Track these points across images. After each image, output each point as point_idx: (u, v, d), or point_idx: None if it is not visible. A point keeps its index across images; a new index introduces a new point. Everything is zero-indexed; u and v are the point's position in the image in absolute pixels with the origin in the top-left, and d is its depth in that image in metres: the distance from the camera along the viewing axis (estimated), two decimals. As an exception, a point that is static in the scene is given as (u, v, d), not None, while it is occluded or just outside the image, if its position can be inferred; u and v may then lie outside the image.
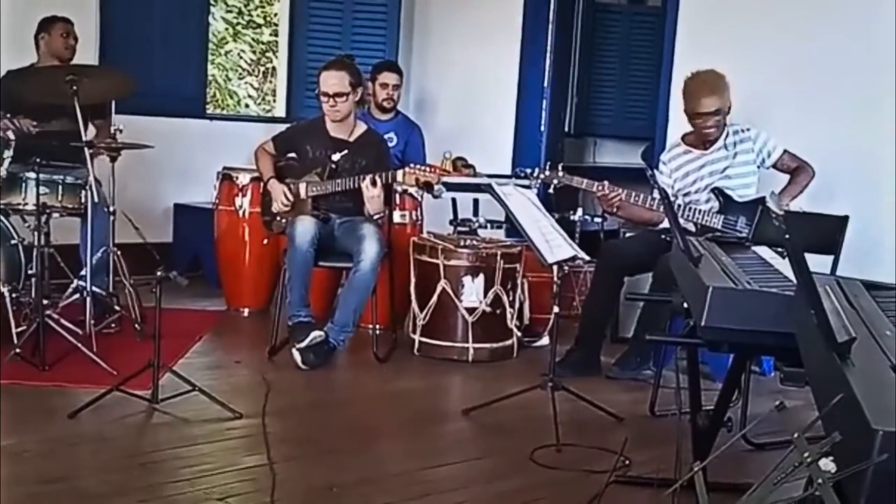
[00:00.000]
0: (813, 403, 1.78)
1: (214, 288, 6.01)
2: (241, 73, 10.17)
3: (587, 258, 4.23)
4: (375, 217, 4.90)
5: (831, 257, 4.51)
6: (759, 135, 4.76)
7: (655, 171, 4.75)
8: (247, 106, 10.18)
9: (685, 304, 2.84)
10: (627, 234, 5.47)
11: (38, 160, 4.46)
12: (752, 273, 2.75)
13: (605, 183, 4.65)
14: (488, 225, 5.84)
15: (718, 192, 4.68)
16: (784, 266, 2.90)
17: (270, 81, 9.58)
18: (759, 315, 2.40)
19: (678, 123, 4.91)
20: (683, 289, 2.89)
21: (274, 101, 8.76)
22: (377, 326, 5.01)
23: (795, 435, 1.43)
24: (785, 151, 4.75)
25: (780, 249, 3.31)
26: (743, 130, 4.76)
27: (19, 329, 4.32)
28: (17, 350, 4.18)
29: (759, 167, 4.77)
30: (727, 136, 4.75)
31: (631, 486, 3.25)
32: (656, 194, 4.57)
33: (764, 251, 3.27)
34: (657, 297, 4.09)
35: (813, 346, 1.78)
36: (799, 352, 2.03)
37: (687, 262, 2.77)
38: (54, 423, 3.70)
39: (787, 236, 1.68)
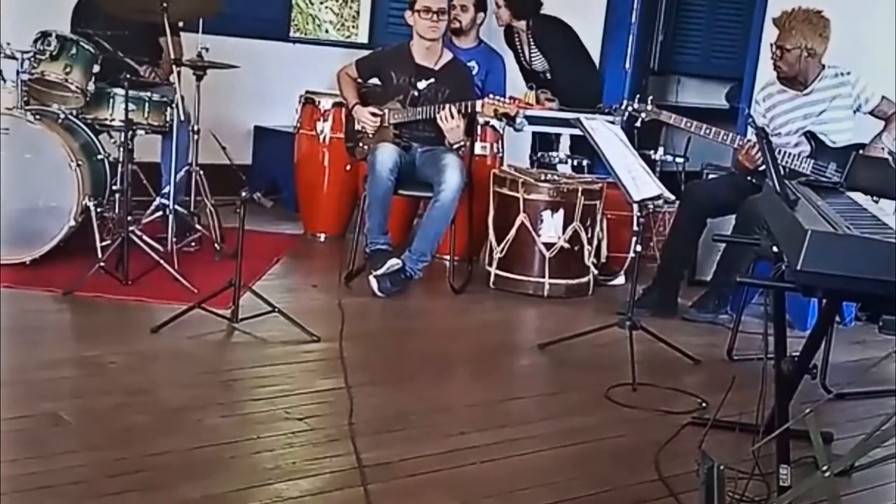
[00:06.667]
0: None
1: (291, 212, 6.04)
2: (322, -2, 10.10)
3: (672, 197, 4.15)
4: (455, 147, 4.85)
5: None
6: (858, 79, 4.59)
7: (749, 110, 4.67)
8: (326, 31, 10.11)
9: (775, 248, 2.78)
10: (711, 176, 5.36)
11: (126, 76, 4.49)
12: (849, 218, 2.67)
13: (694, 123, 4.55)
14: (569, 160, 5.77)
15: (811, 135, 4.54)
16: (880, 212, 2.82)
17: (351, 7, 9.51)
18: (858, 261, 2.33)
19: (770, 63, 4.76)
20: (776, 232, 2.81)
21: (354, 26, 8.69)
22: (454, 257, 5.00)
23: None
24: (883, 98, 4.59)
25: (875, 198, 3.22)
26: (842, 74, 4.60)
27: (103, 243, 4.40)
28: (102, 263, 4.24)
29: (855, 112, 4.63)
30: (824, 78, 4.60)
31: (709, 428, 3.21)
32: (750, 135, 4.47)
33: (857, 197, 3.18)
34: (746, 239, 4.00)
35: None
36: (896, 301, 1.97)
37: (781, 205, 2.69)
38: (137, 337, 3.77)
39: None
